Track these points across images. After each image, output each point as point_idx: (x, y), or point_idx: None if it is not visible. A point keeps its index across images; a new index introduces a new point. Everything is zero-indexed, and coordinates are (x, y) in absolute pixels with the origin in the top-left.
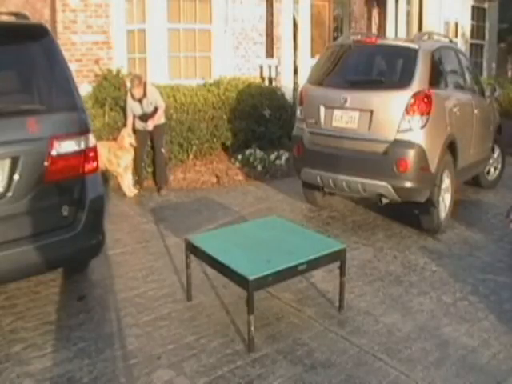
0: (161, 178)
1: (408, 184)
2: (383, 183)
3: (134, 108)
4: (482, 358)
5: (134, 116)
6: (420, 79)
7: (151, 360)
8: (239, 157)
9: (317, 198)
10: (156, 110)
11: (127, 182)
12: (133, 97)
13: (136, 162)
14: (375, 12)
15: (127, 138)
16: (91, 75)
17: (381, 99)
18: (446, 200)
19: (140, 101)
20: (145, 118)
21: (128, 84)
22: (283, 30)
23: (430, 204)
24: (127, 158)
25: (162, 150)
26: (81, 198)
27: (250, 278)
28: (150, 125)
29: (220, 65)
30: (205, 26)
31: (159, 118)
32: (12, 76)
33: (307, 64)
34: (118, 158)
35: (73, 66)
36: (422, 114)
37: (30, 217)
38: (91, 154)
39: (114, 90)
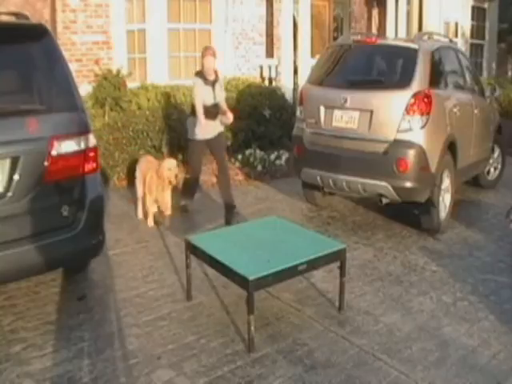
0: (227, 198)
1: (408, 184)
2: (383, 183)
3: (206, 95)
4: (482, 358)
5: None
6: (420, 79)
7: (151, 360)
8: (239, 157)
9: (317, 198)
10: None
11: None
12: (204, 77)
13: (187, 184)
14: (375, 12)
15: (167, 172)
16: (91, 75)
17: (381, 99)
18: (446, 200)
19: (213, 84)
20: (215, 112)
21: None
22: (283, 30)
23: (430, 204)
24: (160, 194)
25: (227, 165)
26: (81, 198)
27: (250, 278)
28: (231, 116)
29: (220, 65)
30: (205, 26)
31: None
32: (12, 76)
33: (307, 64)
34: (150, 186)
35: (73, 66)
36: (421, 114)
37: (30, 217)
38: (91, 154)
39: (114, 90)
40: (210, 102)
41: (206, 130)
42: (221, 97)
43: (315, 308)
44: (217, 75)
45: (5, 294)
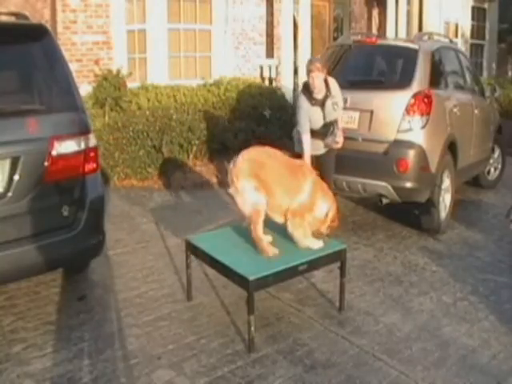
0: None
1: (408, 184)
2: (383, 183)
3: (313, 117)
4: (482, 358)
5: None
6: (420, 79)
7: (151, 360)
8: None
9: None
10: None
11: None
12: (311, 96)
13: None
14: (375, 12)
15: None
16: (91, 75)
17: (381, 99)
18: (446, 200)
19: (323, 103)
20: (325, 131)
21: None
22: (283, 30)
23: (431, 204)
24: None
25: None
26: (81, 198)
27: (250, 278)
28: (341, 140)
29: (220, 65)
30: (205, 26)
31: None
32: (12, 76)
33: None
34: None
35: (73, 66)
36: (422, 115)
37: (30, 217)
38: (91, 154)
39: (114, 90)
40: (319, 124)
41: (313, 145)
42: (334, 115)
43: (315, 308)
44: (328, 89)
45: (5, 294)
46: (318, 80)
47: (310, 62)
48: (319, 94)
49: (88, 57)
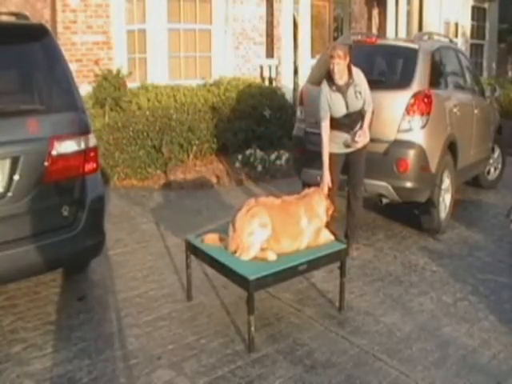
0: (354, 231)
1: (408, 184)
2: (383, 183)
3: (334, 103)
4: (482, 358)
5: (332, 121)
6: (420, 79)
7: (151, 360)
8: (239, 157)
9: None
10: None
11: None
12: (333, 81)
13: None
14: (375, 12)
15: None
16: (91, 75)
17: (381, 99)
18: (446, 200)
19: (345, 90)
20: (349, 123)
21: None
22: (283, 30)
23: (431, 204)
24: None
25: (362, 190)
26: (81, 198)
27: (251, 278)
28: (363, 139)
29: (220, 65)
30: (205, 26)
31: (369, 128)
32: (12, 76)
33: (307, 64)
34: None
35: (73, 66)
36: (422, 114)
37: (30, 217)
38: (91, 154)
39: (114, 90)
40: (340, 112)
41: (337, 141)
42: (357, 104)
43: (315, 308)
44: (351, 77)
45: (5, 294)
46: (337, 67)
47: (333, 48)
48: (340, 80)
49: (88, 57)
